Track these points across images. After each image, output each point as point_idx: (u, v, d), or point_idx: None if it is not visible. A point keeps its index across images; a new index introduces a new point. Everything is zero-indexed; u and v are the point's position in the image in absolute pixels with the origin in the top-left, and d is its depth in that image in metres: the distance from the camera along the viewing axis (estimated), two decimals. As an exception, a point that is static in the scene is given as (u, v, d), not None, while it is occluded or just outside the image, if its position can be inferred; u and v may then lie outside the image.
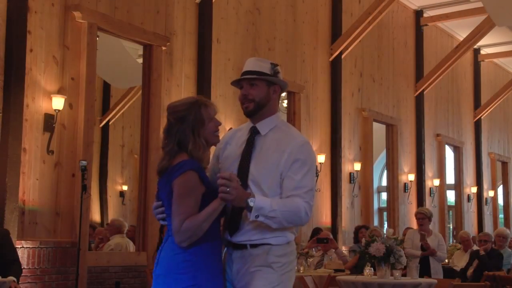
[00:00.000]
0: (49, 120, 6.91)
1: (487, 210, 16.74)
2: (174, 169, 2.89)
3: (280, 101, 3.33)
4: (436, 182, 14.41)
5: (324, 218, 10.92)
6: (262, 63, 3.16)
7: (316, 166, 2.79)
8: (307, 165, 3.02)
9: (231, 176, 2.84)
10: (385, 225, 14.16)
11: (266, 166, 3.03)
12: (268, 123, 3.14)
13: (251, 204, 2.86)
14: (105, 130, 11.72)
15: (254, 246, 3.02)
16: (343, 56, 11.55)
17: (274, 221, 2.90)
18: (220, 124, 3.06)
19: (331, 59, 11.39)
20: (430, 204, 14.04)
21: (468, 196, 15.98)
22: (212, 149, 3.15)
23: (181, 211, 2.85)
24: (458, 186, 15.64)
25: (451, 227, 16.09)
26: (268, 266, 3.00)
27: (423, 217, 8.14)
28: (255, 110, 3.12)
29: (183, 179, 2.86)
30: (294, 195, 2.96)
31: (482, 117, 16.62)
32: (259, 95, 3.11)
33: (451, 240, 15.43)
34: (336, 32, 11.47)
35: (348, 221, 11.44)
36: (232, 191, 2.82)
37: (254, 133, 3.13)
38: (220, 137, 3.14)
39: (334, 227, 10.95)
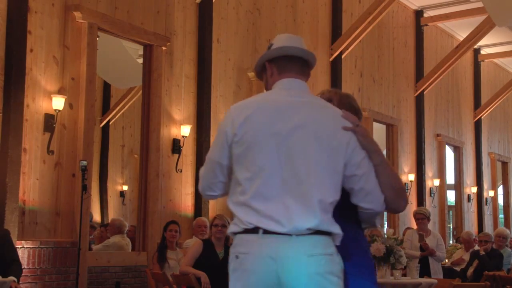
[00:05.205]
0: (49, 120, 6.92)
1: (487, 210, 16.72)
2: None
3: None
4: (436, 182, 14.40)
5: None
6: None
7: (226, 131, 2.49)
8: None
9: None
10: (385, 225, 14.15)
11: None
12: None
13: None
14: (105, 130, 11.73)
15: None
16: (343, 56, 11.54)
17: None
18: None
19: (331, 59, 11.39)
20: (430, 204, 14.03)
21: (468, 196, 15.97)
22: None
23: None
24: (458, 186, 15.62)
25: (451, 227, 16.08)
26: None
27: (422, 217, 8.12)
28: None
29: None
30: None
31: (482, 117, 16.60)
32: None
33: (451, 240, 15.42)
34: (336, 32, 11.46)
35: (348, 221, 11.42)
36: None
37: None
38: None
39: (334, 227, 10.93)
